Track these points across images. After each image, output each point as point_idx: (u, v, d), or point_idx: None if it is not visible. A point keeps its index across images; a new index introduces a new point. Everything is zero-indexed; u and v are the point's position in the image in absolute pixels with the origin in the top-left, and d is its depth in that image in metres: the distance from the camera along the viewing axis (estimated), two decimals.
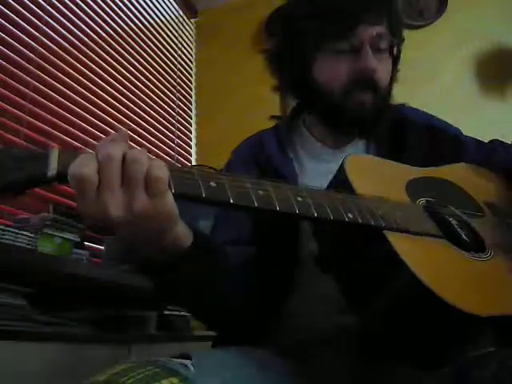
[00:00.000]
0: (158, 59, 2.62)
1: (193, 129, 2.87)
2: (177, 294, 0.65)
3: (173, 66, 2.77)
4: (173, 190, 0.49)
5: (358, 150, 0.87)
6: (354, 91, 0.80)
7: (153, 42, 2.60)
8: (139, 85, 2.40)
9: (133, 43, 2.42)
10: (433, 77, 2.35)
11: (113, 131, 2.14)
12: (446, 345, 0.56)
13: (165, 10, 2.79)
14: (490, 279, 0.61)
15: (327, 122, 0.87)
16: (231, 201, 0.49)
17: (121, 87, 2.25)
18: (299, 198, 0.53)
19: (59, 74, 1.87)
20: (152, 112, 2.48)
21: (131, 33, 2.42)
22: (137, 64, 2.42)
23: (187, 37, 2.98)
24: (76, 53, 1.98)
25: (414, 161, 0.77)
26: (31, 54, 1.74)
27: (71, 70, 1.93)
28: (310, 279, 0.76)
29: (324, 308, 0.74)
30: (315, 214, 0.53)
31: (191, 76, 2.96)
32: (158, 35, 2.67)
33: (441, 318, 0.52)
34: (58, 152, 0.47)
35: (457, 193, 0.76)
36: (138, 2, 2.53)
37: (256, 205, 0.50)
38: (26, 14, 1.74)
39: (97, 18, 2.16)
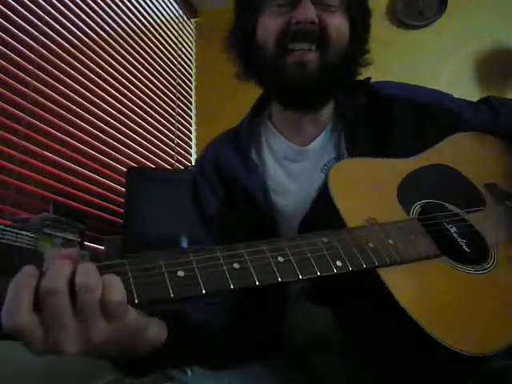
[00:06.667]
0: (158, 59, 2.62)
1: (193, 129, 2.87)
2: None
3: (173, 66, 2.77)
4: (136, 301, 0.41)
5: (327, 144, 0.78)
6: (288, 44, 0.71)
7: (153, 42, 2.60)
8: (139, 85, 2.40)
9: (133, 43, 2.42)
10: (433, 77, 2.35)
11: (112, 130, 2.14)
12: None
13: (165, 9, 2.79)
14: (490, 299, 0.57)
15: (273, 93, 0.79)
16: (203, 291, 0.43)
17: (121, 87, 2.25)
18: (280, 259, 0.48)
19: (59, 74, 1.87)
20: (152, 112, 2.48)
21: (131, 33, 2.42)
22: (137, 64, 2.42)
23: (187, 37, 2.98)
24: (76, 53, 1.98)
25: (404, 148, 0.70)
26: (31, 54, 1.74)
27: (71, 70, 1.93)
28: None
29: (321, 316, 0.72)
30: (300, 276, 0.47)
31: (191, 76, 2.96)
32: (158, 35, 2.67)
33: (439, 357, 0.49)
34: None
35: (454, 182, 0.71)
36: (138, 2, 2.53)
37: (232, 287, 0.44)
38: (26, 14, 1.74)
39: (97, 18, 2.16)
